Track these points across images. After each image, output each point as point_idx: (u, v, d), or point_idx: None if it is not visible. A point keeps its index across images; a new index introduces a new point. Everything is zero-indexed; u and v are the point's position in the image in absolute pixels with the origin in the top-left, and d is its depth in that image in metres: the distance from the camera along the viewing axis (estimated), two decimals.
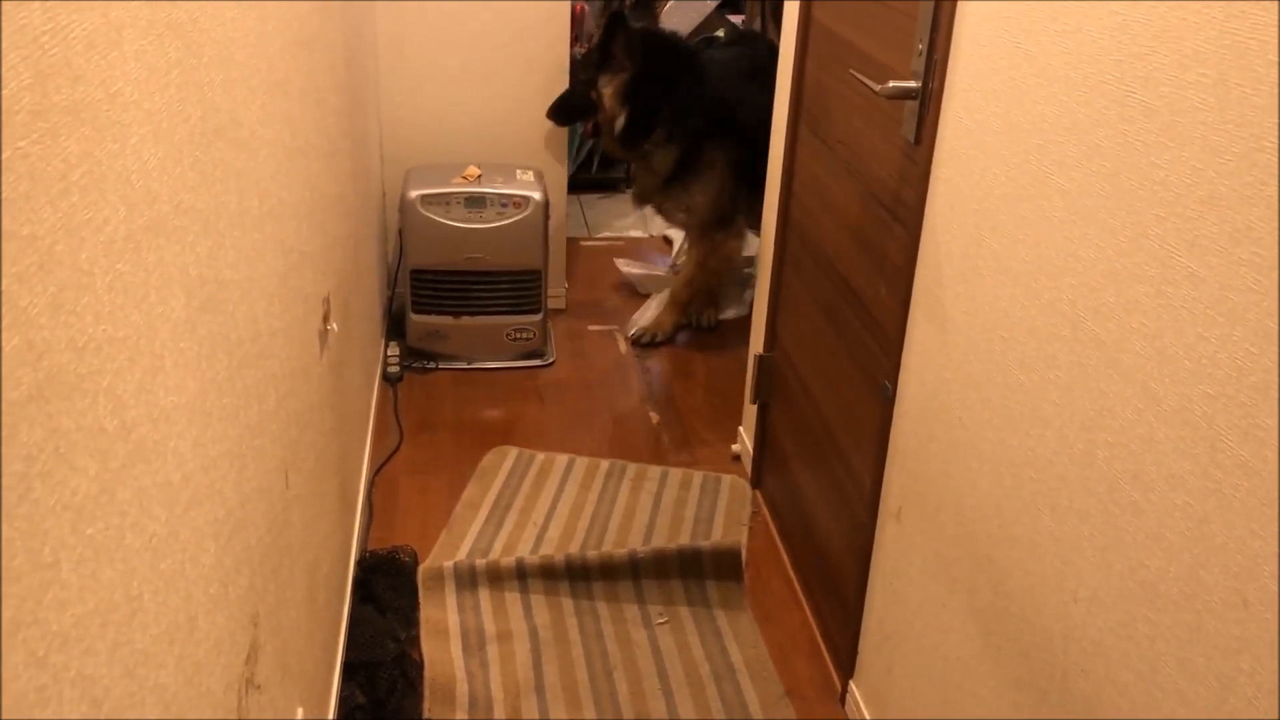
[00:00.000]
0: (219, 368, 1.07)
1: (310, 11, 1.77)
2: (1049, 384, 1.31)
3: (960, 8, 1.54)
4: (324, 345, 1.84)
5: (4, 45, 0.58)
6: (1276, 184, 0.93)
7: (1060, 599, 1.29)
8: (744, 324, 3.58)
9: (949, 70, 1.58)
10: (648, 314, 3.60)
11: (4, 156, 0.58)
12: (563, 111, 3.39)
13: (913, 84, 1.67)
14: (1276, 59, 0.92)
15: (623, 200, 4.86)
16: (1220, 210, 1.00)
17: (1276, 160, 0.93)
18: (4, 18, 0.58)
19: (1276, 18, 0.92)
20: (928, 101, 1.64)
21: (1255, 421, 0.96)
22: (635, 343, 3.49)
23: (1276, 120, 0.93)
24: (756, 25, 4.89)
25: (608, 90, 3.28)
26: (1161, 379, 1.09)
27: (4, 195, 0.58)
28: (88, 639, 0.70)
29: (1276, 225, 0.93)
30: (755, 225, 3.30)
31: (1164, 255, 1.08)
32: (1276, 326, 0.93)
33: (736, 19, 5.27)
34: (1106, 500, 1.19)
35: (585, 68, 3.36)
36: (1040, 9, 1.31)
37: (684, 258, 3.72)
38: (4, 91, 0.58)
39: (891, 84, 1.68)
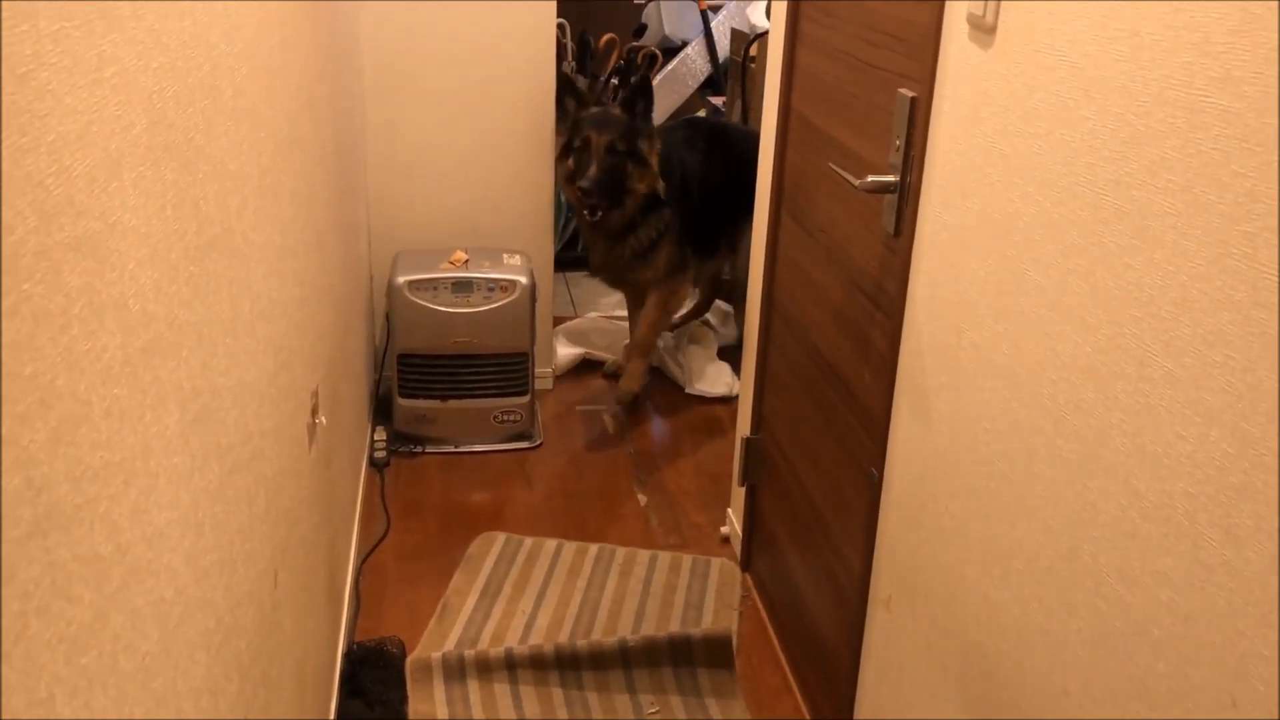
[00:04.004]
0: (210, 477, 1.08)
1: (300, 111, 1.80)
2: (1033, 477, 1.32)
3: (935, 107, 1.58)
4: (312, 439, 1.85)
5: (10, 192, 0.60)
6: (1244, 290, 0.95)
7: (1050, 693, 1.29)
8: (730, 405, 3.61)
9: (926, 166, 1.61)
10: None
11: (8, 302, 0.59)
12: (608, 191, 3.26)
13: (891, 178, 1.71)
14: (1238, 169, 0.96)
15: None
16: (1193, 313, 1.02)
17: (1243, 266, 0.96)
18: (11, 165, 0.60)
19: (1235, 130, 0.96)
20: (906, 195, 1.68)
21: (1235, 521, 0.97)
22: (620, 403, 3.58)
23: (1241, 228, 0.95)
24: (738, 106, 4.99)
25: (653, 156, 3.32)
26: (1143, 476, 1.10)
27: (6, 340, 0.59)
28: None
29: (1246, 330, 0.95)
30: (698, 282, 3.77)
31: (1141, 354, 1.10)
32: (1252, 429, 0.95)
33: (717, 100, 5.37)
34: (1093, 594, 1.20)
35: (611, 136, 3.25)
36: (1013, 112, 1.35)
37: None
38: (11, 239, 0.60)
39: (870, 179, 1.71)
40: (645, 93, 3.28)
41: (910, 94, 1.65)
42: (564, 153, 3.34)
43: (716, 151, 3.63)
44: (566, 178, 3.35)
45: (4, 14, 0.59)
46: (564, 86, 3.35)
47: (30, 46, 0.63)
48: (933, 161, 1.60)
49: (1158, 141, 1.07)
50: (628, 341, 3.89)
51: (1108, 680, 1.17)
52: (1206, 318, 1.01)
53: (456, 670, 2.27)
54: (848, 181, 1.77)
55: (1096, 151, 1.17)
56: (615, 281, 3.68)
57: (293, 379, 1.65)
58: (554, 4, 3.31)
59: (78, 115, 0.71)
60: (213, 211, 1.11)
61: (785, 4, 2.27)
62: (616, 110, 3.31)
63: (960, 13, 1.49)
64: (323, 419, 1.92)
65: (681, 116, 5.07)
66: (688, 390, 3.69)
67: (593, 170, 3.18)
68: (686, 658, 2.30)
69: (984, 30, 1.42)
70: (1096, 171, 1.17)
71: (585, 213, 3.29)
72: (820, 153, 2.10)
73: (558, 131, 3.36)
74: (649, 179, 3.30)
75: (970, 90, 1.47)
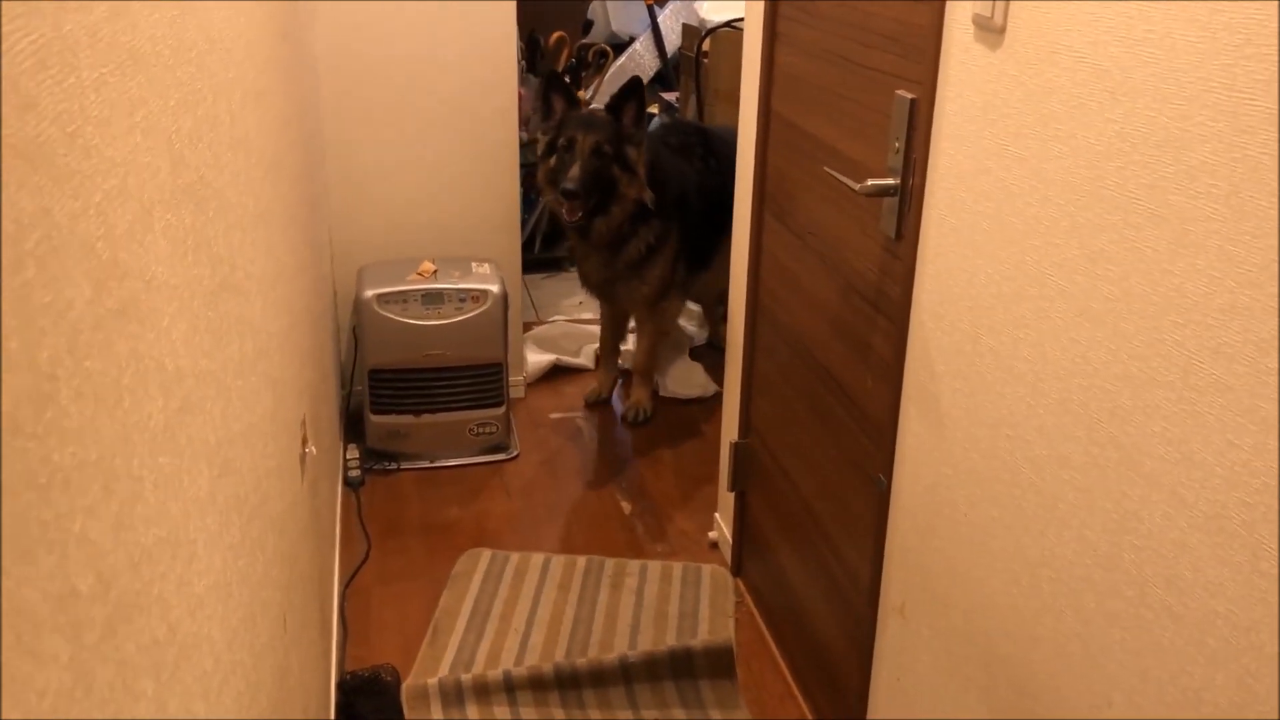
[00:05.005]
0: (234, 532, 1.02)
1: (280, 131, 1.74)
2: (1064, 484, 1.30)
3: (938, 109, 1.56)
4: (304, 469, 1.78)
5: (68, 262, 0.55)
6: None
7: (1091, 702, 1.27)
8: (706, 406, 3.58)
9: (930, 169, 1.59)
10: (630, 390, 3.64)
11: (73, 385, 0.54)
12: (591, 194, 3.14)
13: (891, 181, 1.68)
14: None
15: (568, 279, 4.84)
16: (1244, 319, 1.01)
17: None
18: (68, 234, 0.55)
19: None
20: (908, 199, 1.66)
21: None
22: (628, 422, 3.50)
23: None
24: (692, 102, 4.96)
25: (641, 164, 3.21)
26: (1191, 484, 1.09)
27: (74, 425, 0.54)
28: None
29: None
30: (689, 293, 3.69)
31: (1185, 361, 1.09)
32: None
33: (670, 96, 5.34)
34: (1138, 604, 1.18)
35: (598, 138, 3.14)
36: (1027, 115, 1.32)
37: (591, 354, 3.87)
38: (71, 315, 0.54)
39: (870, 182, 1.69)
40: (635, 97, 3.15)
41: (909, 96, 1.62)
42: (546, 152, 3.23)
43: (710, 158, 3.51)
44: (547, 179, 3.24)
45: (53, 67, 0.54)
46: (551, 84, 3.23)
47: (76, 101, 0.57)
48: (936, 164, 1.57)
49: (1196, 145, 1.05)
50: (597, 347, 3.84)
51: (1158, 691, 1.16)
52: (1259, 324, 0.99)
53: (454, 695, 2.22)
54: (846, 186, 1.74)
55: (1126, 155, 1.15)
56: (604, 297, 3.56)
57: (286, 411, 1.59)
58: (514, 8, 3.25)
59: (116, 168, 0.65)
60: (222, 250, 1.05)
61: (761, 4, 2.24)
62: (604, 113, 3.22)
63: (963, 13, 1.47)
64: (313, 448, 1.86)
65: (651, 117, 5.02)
66: (661, 393, 3.65)
67: (575, 171, 3.07)
68: (688, 670, 2.27)
69: (992, 31, 1.40)
70: (1127, 176, 1.15)
71: (565, 216, 3.16)
72: (806, 155, 2.08)
73: (542, 130, 3.27)
74: (637, 186, 3.20)
75: (977, 92, 1.45)
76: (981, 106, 1.44)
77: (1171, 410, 1.11)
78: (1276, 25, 0.95)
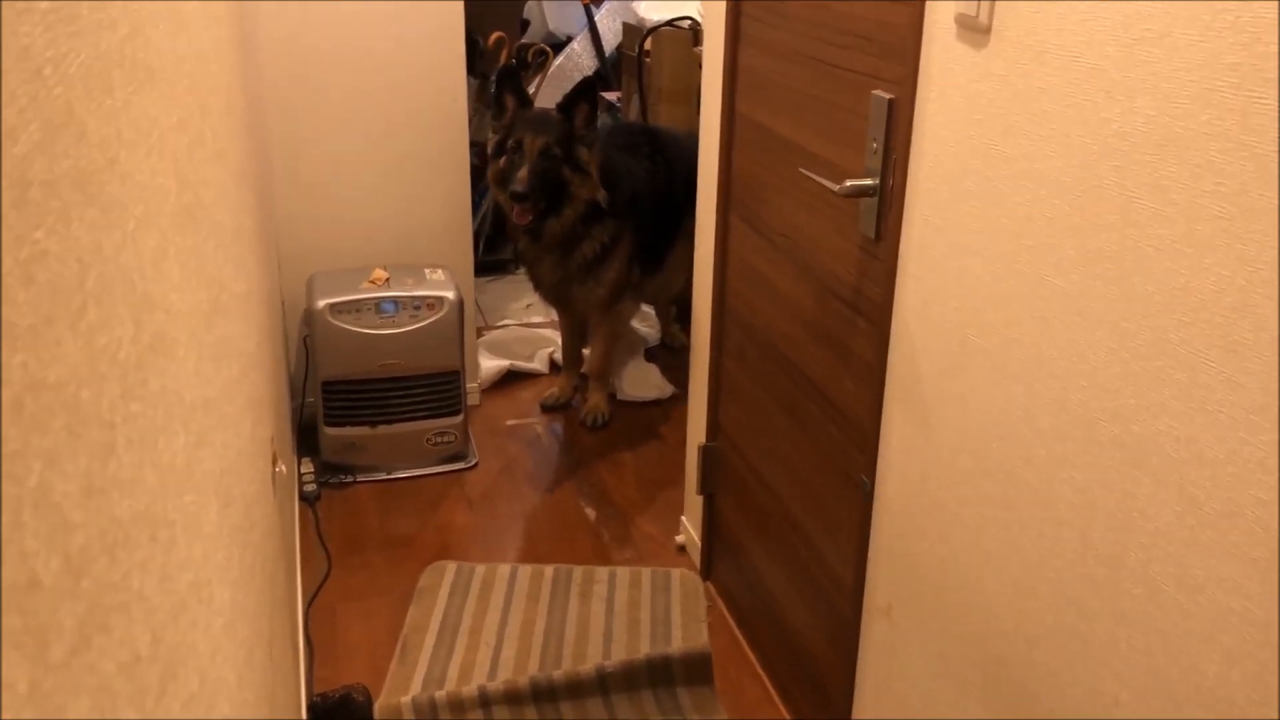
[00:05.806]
0: (235, 565, 0.98)
1: (244, 139, 1.68)
2: (1063, 483, 1.30)
3: (919, 109, 1.55)
4: (275, 490, 1.73)
5: (115, 300, 0.51)
6: None
7: (1100, 701, 1.28)
8: (663, 408, 3.56)
9: (911, 169, 1.58)
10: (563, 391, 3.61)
11: (125, 433, 0.50)
12: (541, 196, 3.11)
13: (869, 182, 1.67)
14: None
15: (514, 282, 4.78)
16: (1256, 318, 1.01)
17: None
18: (115, 267, 0.51)
19: None
20: (888, 199, 1.65)
21: None
22: (586, 426, 3.46)
23: None
24: (635, 103, 4.93)
25: (593, 165, 3.17)
26: (1201, 483, 1.09)
27: (128, 476, 0.50)
28: None
29: None
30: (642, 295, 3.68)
31: (1192, 360, 1.09)
32: None
33: (612, 96, 5.31)
34: (1146, 602, 1.18)
35: (547, 139, 3.10)
36: (1015, 114, 1.32)
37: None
38: (120, 354, 0.50)
39: (849, 183, 1.68)
40: (588, 97, 3.12)
41: (887, 96, 1.62)
42: (496, 152, 3.18)
43: (657, 157, 3.48)
44: (497, 180, 3.19)
45: (95, 91, 0.50)
46: (504, 81, 3.19)
47: (113, 125, 0.53)
48: (918, 165, 1.57)
49: (1202, 144, 1.05)
50: (556, 351, 3.79)
51: (1169, 688, 1.16)
52: (1272, 322, 0.99)
53: (428, 712, 2.17)
54: (824, 187, 1.73)
55: (1125, 155, 1.15)
56: (558, 300, 3.51)
57: (260, 431, 1.53)
58: (462, 8, 3.19)
59: (144, 192, 0.61)
60: (214, 271, 1.00)
61: (722, 4, 2.22)
62: (555, 113, 3.18)
63: (944, 13, 1.46)
64: (283, 467, 1.80)
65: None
66: (619, 397, 3.62)
67: (523, 173, 3.03)
68: (666, 678, 2.25)
69: (977, 31, 1.39)
70: (1126, 175, 1.15)
71: (515, 219, 3.12)
72: (775, 156, 2.06)
73: (493, 129, 3.22)
74: (589, 187, 3.16)
75: (961, 92, 1.44)
76: (965, 107, 1.43)
77: (1179, 409, 1.11)
78: None
